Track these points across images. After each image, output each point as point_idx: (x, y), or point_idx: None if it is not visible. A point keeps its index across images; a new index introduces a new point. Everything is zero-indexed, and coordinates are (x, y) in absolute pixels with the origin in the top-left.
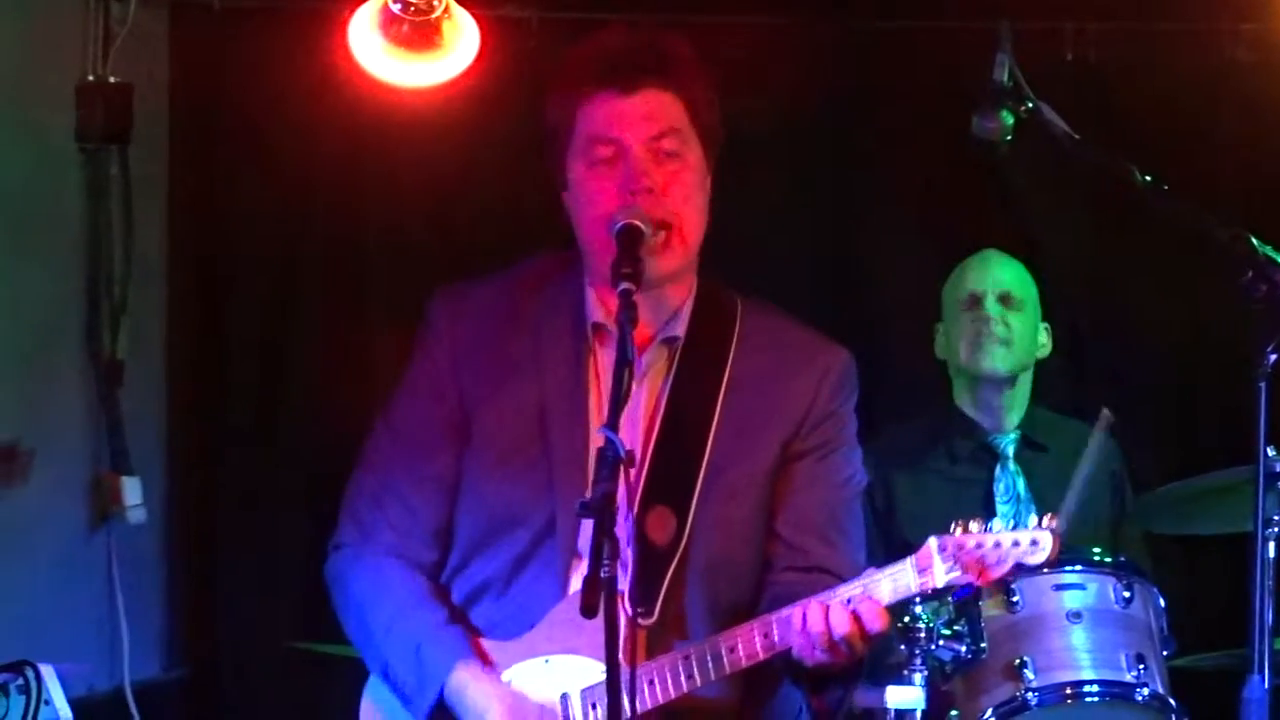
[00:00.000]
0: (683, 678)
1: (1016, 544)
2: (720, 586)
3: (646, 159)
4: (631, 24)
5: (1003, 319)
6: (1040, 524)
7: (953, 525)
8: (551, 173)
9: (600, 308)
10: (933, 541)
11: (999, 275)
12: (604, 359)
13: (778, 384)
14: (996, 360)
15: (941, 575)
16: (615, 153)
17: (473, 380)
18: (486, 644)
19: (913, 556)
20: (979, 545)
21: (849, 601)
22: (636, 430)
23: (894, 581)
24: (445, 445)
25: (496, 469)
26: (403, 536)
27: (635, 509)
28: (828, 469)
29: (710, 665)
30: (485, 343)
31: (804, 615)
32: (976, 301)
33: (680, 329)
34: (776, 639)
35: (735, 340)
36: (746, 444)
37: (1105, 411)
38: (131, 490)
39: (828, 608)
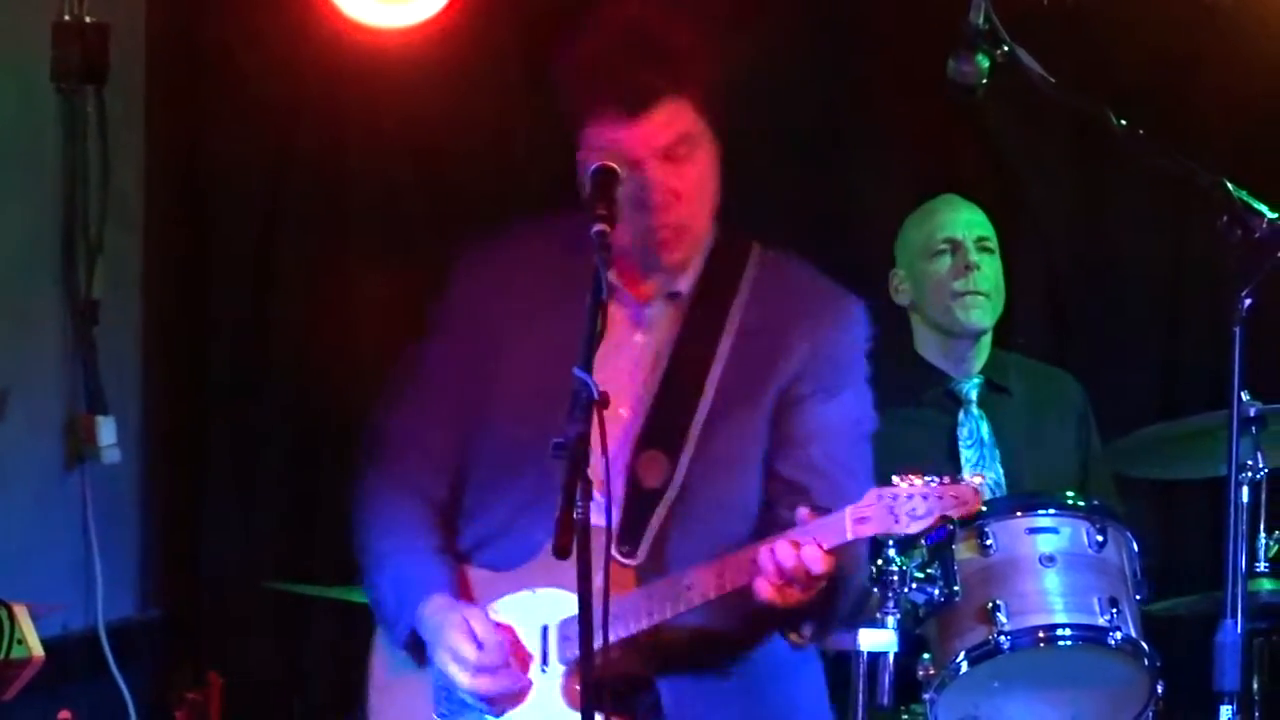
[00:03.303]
0: (643, 614)
1: (941, 498)
2: (716, 528)
3: (658, 171)
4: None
5: (980, 266)
6: (968, 481)
7: (895, 477)
8: (565, 129)
9: (613, 269)
10: (873, 493)
11: (971, 218)
12: (613, 315)
13: (784, 329)
14: (979, 315)
15: (872, 526)
16: (629, 168)
17: (492, 327)
18: (481, 575)
19: (852, 507)
20: (910, 497)
21: (795, 543)
22: (637, 380)
23: (829, 530)
24: (462, 389)
25: (508, 413)
26: (417, 471)
27: (630, 453)
28: (834, 410)
29: (668, 602)
30: (507, 292)
31: (752, 556)
32: (957, 247)
33: (684, 285)
34: (727, 580)
35: (744, 288)
36: (749, 388)
37: None
38: (106, 430)
39: (773, 548)
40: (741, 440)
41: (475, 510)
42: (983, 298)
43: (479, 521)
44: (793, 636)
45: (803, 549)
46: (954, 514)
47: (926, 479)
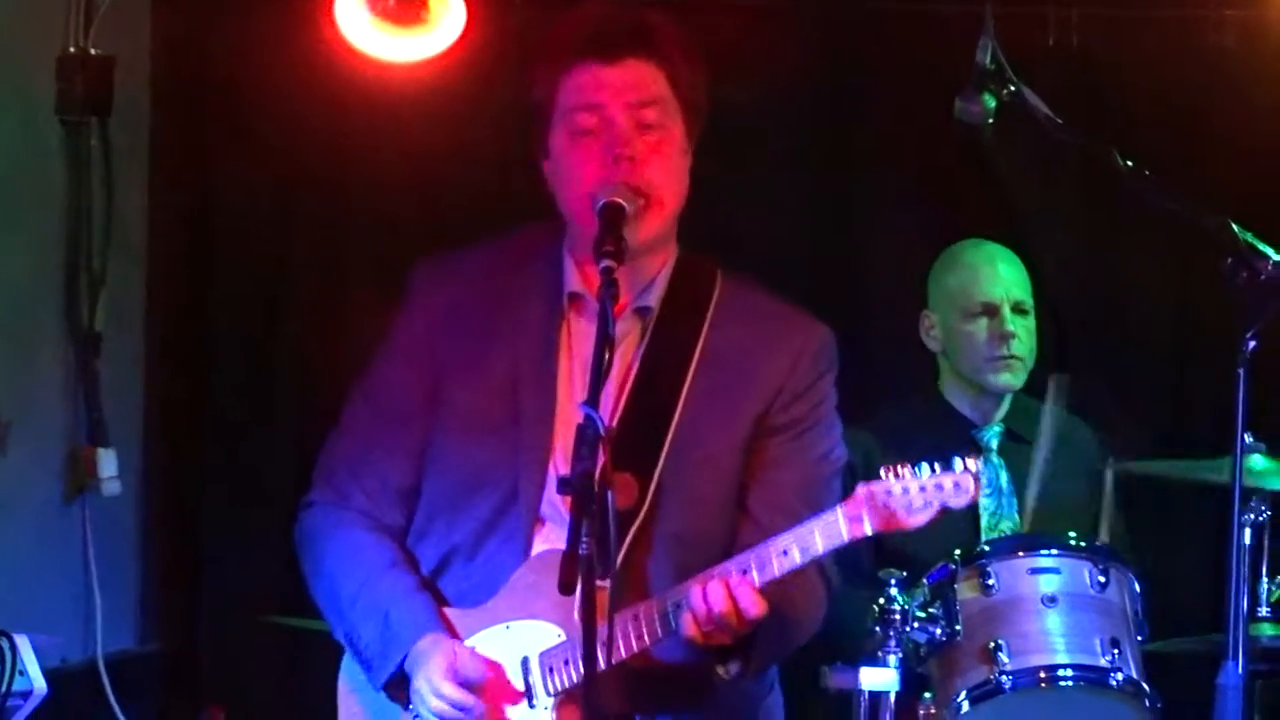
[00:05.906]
0: (632, 637)
1: (940, 487)
2: (687, 555)
3: (628, 128)
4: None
5: (1017, 334)
6: (964, 467)
7: (882, 471)
8: (533, 146)
9: (578, 277)
10: (862, 489)
11: (1008, 277)
12: (578, 327)
13: (753, 357)
14: (1011, 379)
15: (868, 524)
16: (598, 122)
17: (448, 347)
18: (451, 613)
19: (842, 505)
20: (905, 490)
21: (738, 577)
22: (606, 397)
23: (825, 531)
24: (419, 413)
25: (463, 434)
26: (375, 502)
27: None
28: (803, 445)
29: (658, 622)
30: (462, 310)
31: (741, 566)
32: (992, 312)
33: (653, 299)
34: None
35: (711, 312)
36: (718, 416)
37: (1055, 379)
38: (107, 462)
39: (705, 588)
40: (712, 468)
41: (428, 532)
42: (1017, 361)
43: (431, 544)
44: (719, 670)
45: (738, 587)
46: (955, 504)
47: (914, 469)
